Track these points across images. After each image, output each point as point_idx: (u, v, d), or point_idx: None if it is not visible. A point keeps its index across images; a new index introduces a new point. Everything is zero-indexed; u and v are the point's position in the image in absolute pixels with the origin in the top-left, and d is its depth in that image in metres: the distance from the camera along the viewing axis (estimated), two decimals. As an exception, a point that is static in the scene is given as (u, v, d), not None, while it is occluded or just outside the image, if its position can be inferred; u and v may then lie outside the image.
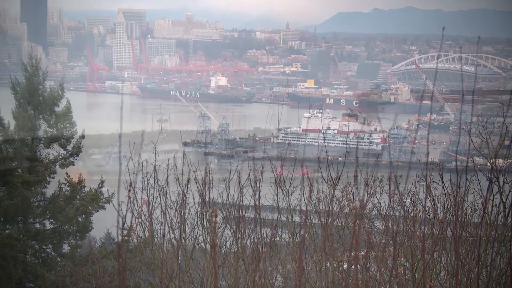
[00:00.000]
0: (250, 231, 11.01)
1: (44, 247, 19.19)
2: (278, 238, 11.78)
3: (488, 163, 8.93)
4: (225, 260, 11.11)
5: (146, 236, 12.54)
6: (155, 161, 12.09)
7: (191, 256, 11.59)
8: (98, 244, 20.08)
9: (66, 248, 19.37)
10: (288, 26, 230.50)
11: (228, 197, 11.85)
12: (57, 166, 19.41)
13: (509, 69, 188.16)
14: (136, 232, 13.00)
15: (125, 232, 8.77)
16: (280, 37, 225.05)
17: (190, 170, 12.09)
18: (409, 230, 9.91)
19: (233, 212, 11.65)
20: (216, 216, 9.17)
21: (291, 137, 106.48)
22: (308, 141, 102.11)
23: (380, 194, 11.54)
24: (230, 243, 11.66)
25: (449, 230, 8.97)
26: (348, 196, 11.73)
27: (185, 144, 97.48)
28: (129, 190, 9.71)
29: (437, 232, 9.36)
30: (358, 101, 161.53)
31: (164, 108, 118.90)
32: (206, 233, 11.98)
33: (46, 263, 18.91)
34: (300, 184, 11.17)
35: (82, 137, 19.73)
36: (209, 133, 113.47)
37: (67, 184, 19.16)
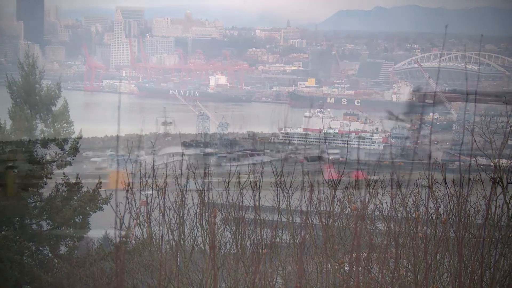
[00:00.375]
0: (250, 232, 10.92)
1: (41, 248, 19.07)
2: (278, 239, 11.65)
3: (492, 163, 8.85)
4: (224, 262, 11.03)
5: (145, 237, 12.41)
6: (153, 161, 11.98)
7: (190, 258, 11.50)
8: (95, 246, 19.89)
9: (63, 249, 19.24)
10: (288, 24, 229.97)
11: (227, 197, 11.73)
12: (54, 167, 19.30)
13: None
14: (134, 234, 12.86)
15: (123, 233, 8.65)
16: (280, 35, 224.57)
17: (189, 170, 12.00)
18: (411, 231, 9.84)
19: (233, 213, 11.54)
20: (215, 217, 9.08)
21: (292, 137, 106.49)
22: (309, 141, 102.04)
23: (382, 195, 11.47)
24: (229, 244, 11.57)
25: (452, 231, 8.93)
26: (349, 196, 11.64)
27: (184, 144, 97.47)
28: (127, 191, 9.62)
29: (440, 233, 9.28)
30: (359, 100, 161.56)
31: (163, 108, 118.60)
32: (205, 234, 11.87)
33: (43, 264, 18.78)
34: (300, 184, 11.06)
35: (80, 137, 19.62)
36: (208, 133, 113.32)
37: (64, 184, 19.05)
